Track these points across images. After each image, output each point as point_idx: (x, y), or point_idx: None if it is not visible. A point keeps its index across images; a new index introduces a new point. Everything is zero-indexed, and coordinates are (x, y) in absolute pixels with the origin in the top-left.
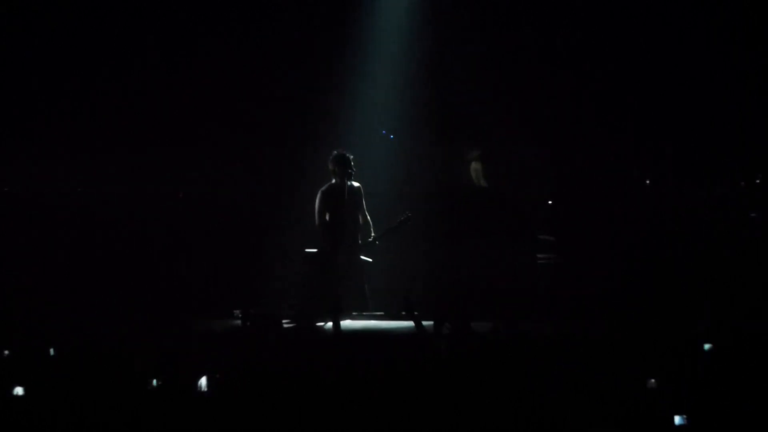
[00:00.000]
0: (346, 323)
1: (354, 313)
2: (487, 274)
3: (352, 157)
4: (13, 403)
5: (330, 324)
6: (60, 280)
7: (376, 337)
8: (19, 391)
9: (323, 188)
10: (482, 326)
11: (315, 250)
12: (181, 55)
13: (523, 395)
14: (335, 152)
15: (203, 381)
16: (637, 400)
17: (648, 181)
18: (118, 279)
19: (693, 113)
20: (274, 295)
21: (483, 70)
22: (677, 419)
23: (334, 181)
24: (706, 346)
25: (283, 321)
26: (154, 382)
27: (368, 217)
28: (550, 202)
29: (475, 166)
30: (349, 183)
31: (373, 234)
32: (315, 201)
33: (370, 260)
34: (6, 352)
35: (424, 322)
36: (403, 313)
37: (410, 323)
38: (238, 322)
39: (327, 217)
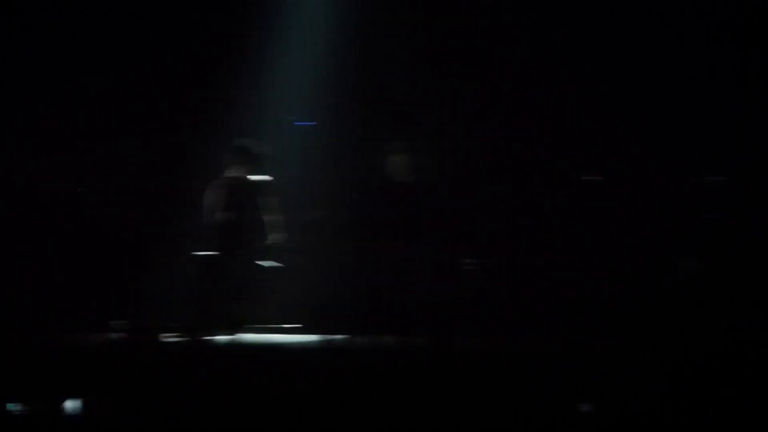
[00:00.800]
0: (244, 337)
1: (254, 326)
2: (408, 280)
3: (253, 147)
4: None
5: (223, 338)
6: None
7: (280, 353)
8: None
9: (215, 182)
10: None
11: (204, 252)
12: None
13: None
14: (234, 141)
15: (71, 404)
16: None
17: (584, 178)
18: None
19: (636, 107)
20: (157, 304)
21: (408, 54)
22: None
23: (228, 173)
24: None
25: (168, 335)
26: (12, 406)
27: (274, 216)
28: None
29: (398, 159)
30: (249, 177)
31: (279, 235)
32: (210, 197)
33: (280, 265)
34: None
35: (339, 336)
36: (311, 324)
37: (320, 336)
38: (115, 335)
39: (224, 216)
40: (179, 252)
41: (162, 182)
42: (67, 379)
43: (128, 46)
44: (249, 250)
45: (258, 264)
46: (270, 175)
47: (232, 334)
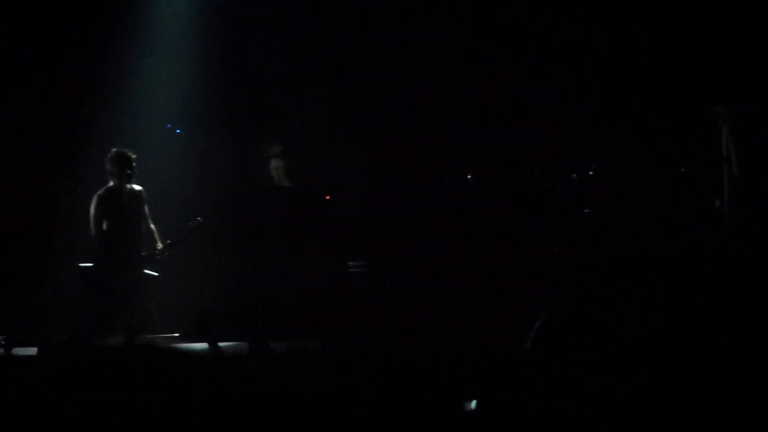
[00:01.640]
0: (129, 347)
1: (139, 336)
2: (292, 285)
3: (133, 156)
4: None
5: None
6: None
7: (164, 362)
8: None
9: (100, 192)
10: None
11: (90, 264)
12: None
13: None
14: (113, 150)
15: None
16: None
17: (469, 176)
18: None
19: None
20: (42, 317)
21: (283, 55)
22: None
23: (111, 183)
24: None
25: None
26: None
27: (152, 225)
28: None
29: (275, 164)
30: (129, 186)
31: (159, 244)
32: (90, 207)
33: (156, 275)
34: None
35: (222, 343)
36: (195, 331)
37: (203, 345)
38: (1, 350)
39: (105, 226)
40: (65, 263)
41: (45, 192)
42: None
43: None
44: (136, 259)
45: (146, 273)
46: (144, 184)
47: (120, 342)
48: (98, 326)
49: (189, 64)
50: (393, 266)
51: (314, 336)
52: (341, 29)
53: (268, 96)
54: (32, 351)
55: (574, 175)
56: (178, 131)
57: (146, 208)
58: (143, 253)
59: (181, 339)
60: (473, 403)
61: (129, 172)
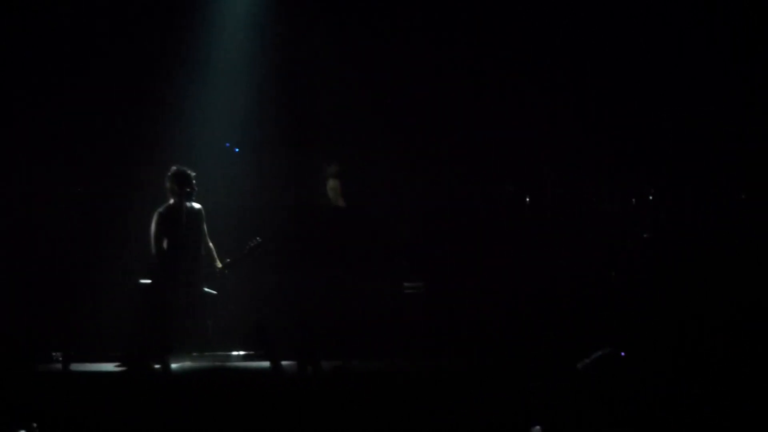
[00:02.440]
0: (186, 365)
1: (194, 354)
2: (348, 305)
3: (192, 174)
4: None
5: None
6: None
7: (222, 380)
8: None
9: (160, 210)
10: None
11: (149, 281)
12: None
13: None
14: (173, 168)
15: None
16: None
17: (528, 198)
18: None
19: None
20: (102, 334)
21: (342, 76)
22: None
23: (171, 201)
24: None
25: (113, 364)
26: None
27: (210, 243)
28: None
29: (332, 184)
30: (189, 204)
31: (218, 263)
32: (151, 224)
33: (215, 293)
34: None
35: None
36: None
37: (263, 363)
38: (59, 366)
39: (164, 244)
40: (124, 280)
41: (108, 210)
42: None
43: (60, 75)
44: (195, 277)
45: (204, 291)
46: (203, 202)
47: (177, 360)
48: (156, 343)
49: (247, 85)
50: (449, 287)
51: (368, 356)
52: (399, 51)
53: (326, 116)
54: (89, 367)
55: (633, 200)
56: (236, 150)
57: (205, 226)
58: (202, 271)
59: (239, 357)
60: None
61: (189, 190)
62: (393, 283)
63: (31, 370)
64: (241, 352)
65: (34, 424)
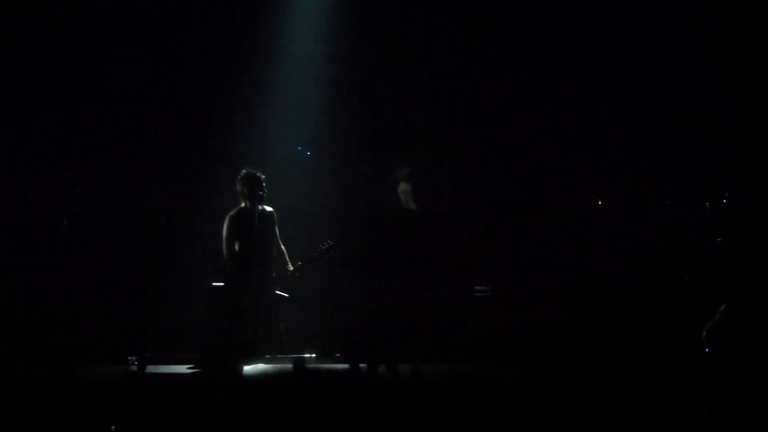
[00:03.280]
0: (259, 367)
1: (267, 356)
2: (419, 308)
3: (263, 176)
4: None
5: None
6: None
7: (296, 383)
8: None
9: (231, 213)
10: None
11: (222, 283)
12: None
13: None
14: (244, 171)
15: None
16: None
17: (600, 202)
18: None
19: (650, 127)
20: (176, 337)
21: (412, 81)
22: None
23: (243, 204)
24: None
25: (186, 366)
26: None
27: (282, 246)
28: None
29: (404, 187)
30: (260, 207)
31: (289, 266)
32: (222, 228)
33: (286, 295)
34: None
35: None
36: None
37: (336, 365)
38: (134, 368)
39: (236, 247)
40: (197, 283)
41: (180, 213)
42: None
43: (132, 80)
44: (267, 280)
45: (276, 293)
46: (274, 205)
47: (249, 363)
48: (229, 346)
49: (319, 88)
50: (519, 290)
51: (439, 360)
52: (470, 54)
53: (398, 119)
54: (164, 370)
55: (707, 203)
56: (308, 153)
57: (277, 229)
58: (274, 274)
59: (311, 360)
60: None
61: (260, 193)
62: (464, 287)
63: (106, 374)
64: (314, 355)
65: (113, 427)
